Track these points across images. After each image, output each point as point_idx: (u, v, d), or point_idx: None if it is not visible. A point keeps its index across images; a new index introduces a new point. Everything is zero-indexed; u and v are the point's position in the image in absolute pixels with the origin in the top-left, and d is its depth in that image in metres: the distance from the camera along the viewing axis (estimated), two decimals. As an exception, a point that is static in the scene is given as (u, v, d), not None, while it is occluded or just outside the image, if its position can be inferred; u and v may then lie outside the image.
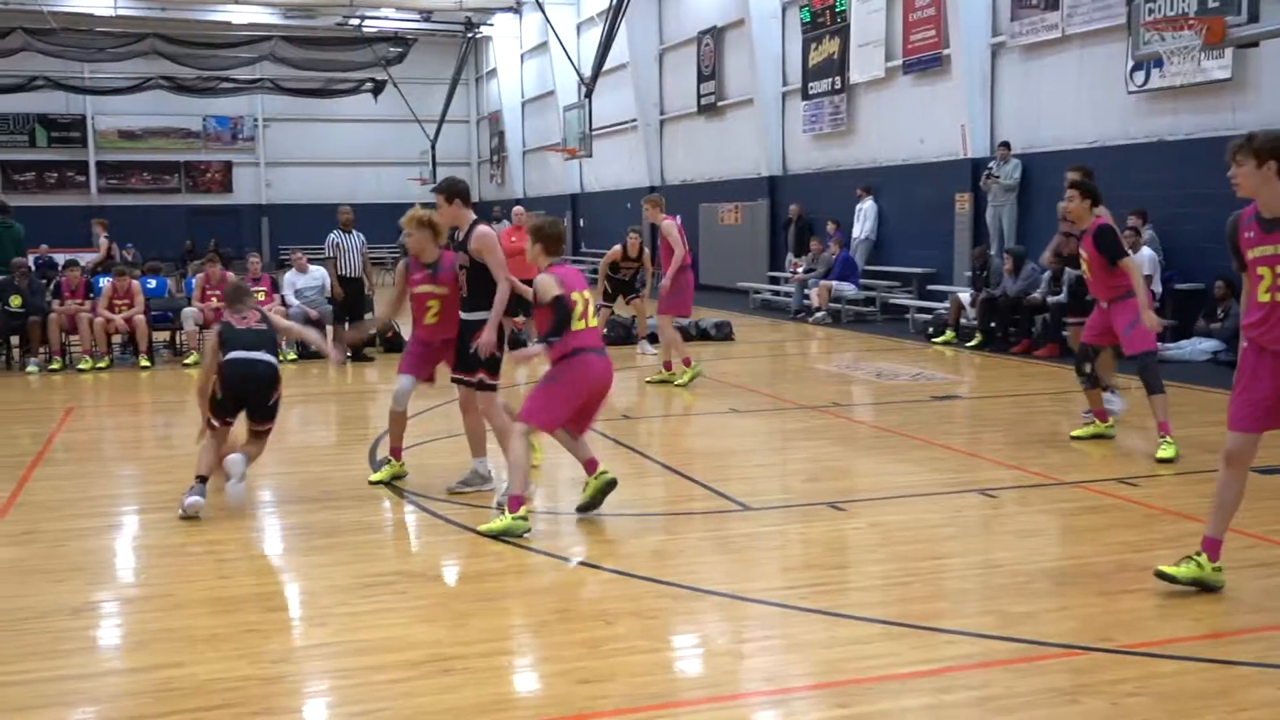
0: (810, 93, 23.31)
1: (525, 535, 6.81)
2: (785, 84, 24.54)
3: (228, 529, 7.18)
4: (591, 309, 7.18)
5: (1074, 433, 9.49)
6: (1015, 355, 15.09)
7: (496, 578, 6.20)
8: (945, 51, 19.12)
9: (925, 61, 19.80)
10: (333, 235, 15.98)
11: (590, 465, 7.35)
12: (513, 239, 16.57)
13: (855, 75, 21.82)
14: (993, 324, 15.93)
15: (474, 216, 7.70)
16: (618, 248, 15.97)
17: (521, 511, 6.89)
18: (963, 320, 16.59)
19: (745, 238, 25.60)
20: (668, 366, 13.23)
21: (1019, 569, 6.12)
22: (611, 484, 7.28)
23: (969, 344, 16.03)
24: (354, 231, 16.07)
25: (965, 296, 16.69)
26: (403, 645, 5.12)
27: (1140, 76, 15.41)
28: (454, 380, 7.91)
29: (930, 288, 19.51)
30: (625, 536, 7.07)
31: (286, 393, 8.22)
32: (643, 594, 5.84)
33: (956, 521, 7.06)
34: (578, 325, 7.00)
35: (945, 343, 16.49)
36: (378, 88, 38.10)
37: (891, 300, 20.09)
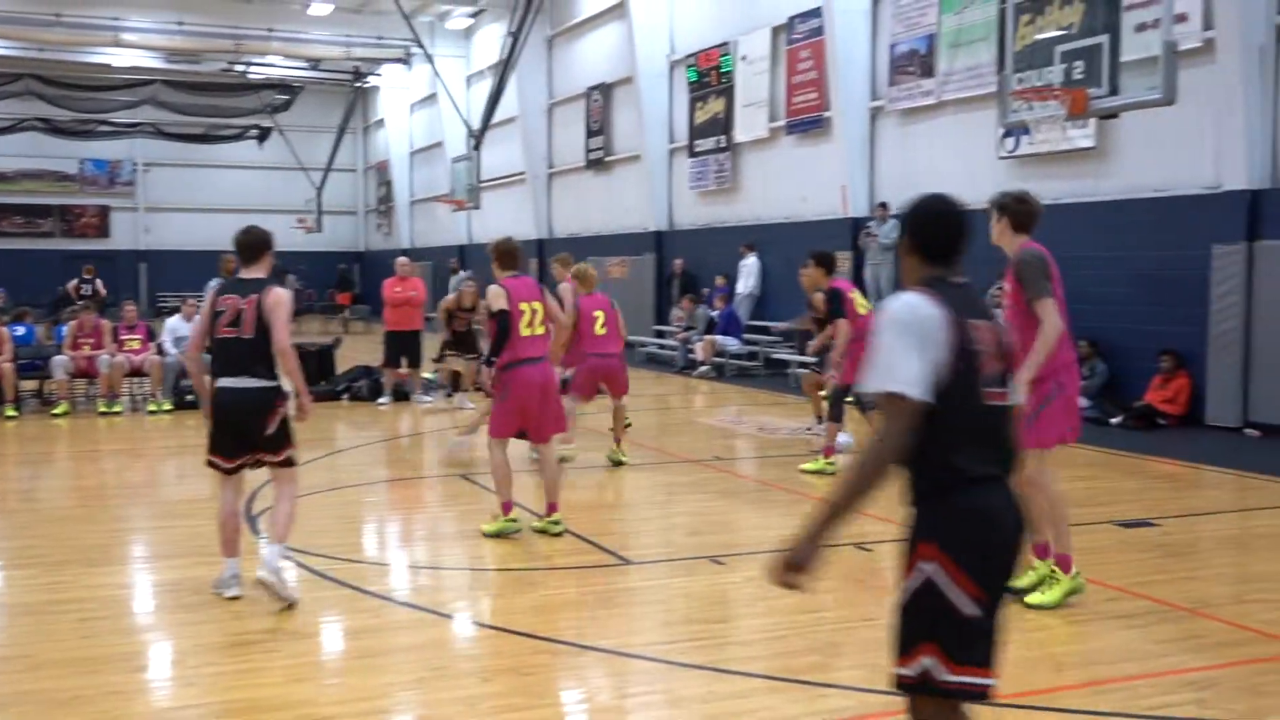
0: (696, 150, 23.70)
1: (515, 535, 7.97)
2: (672, 141, 24.92)
3: (92, 586, 6.96)
4: (538, 318, 7.96)
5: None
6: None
7: (372, 634, 6.11)
8: (827, 114, 19.61)
9: (807, 123, 20.28)
10: (213, 282, 15.66)
11: (551, 509, 8.15)
12: (396, 289, 16.46)
13: (740, 134, 22.26)
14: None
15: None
16: (451, 296, 15.44)
17: (513, 514, 8.00)
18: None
19: (632, 291, 25.77)
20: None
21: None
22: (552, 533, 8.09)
23: (849, 399, 16.28)
24: None
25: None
26: (273, 706, 5.01)
27: (1010, 143, 16.00)
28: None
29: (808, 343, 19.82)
30: (505, 591, 7.03)
31: (166, 444, 8.05)
32: (521, 650, 5.80)
33: (834, 575, 7.16)
34: (525, 332, 7.85)
35: (826, 397, 16.68)
36: (263, 134, 38.00)
37: (774, 355, 20.42)
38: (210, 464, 6.58)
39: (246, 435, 6.45)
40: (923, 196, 3.48)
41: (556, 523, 8.13)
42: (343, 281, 40.35)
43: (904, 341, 3.13)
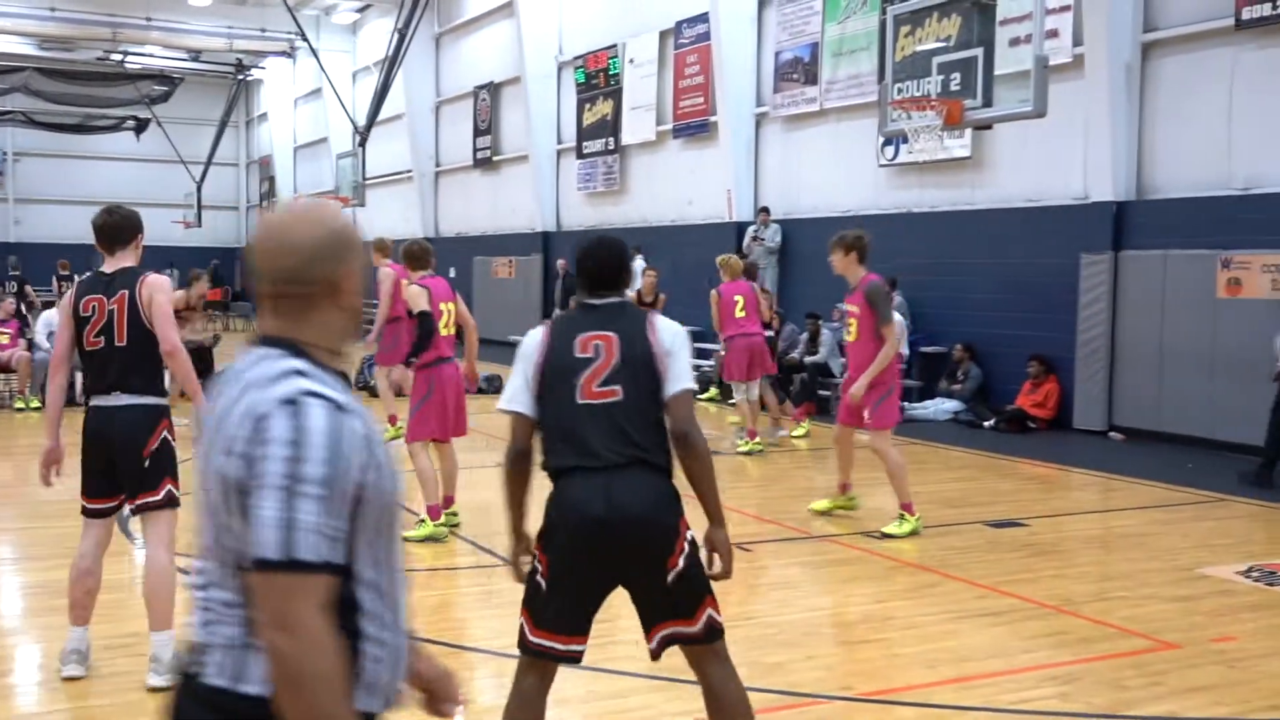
0: (584, 151, 23.75)
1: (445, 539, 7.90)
2: (560, 142, 24.94)
3: None
4: (451, 319, 8.11)
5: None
6: (775, 413, 15.64)
7: (250, 637, 5.99)
8: (713, 118, 19.83)
9: (694, 127, 20.48)
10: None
11: (448, 501, 8.24)
12: None
13: (627, 137, 22.37)
14: (755, 382, 16.45)
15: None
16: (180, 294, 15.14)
17: (442, 519, 7.99)
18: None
19: (519, 292, 25.75)
20: (392, 421, 12.53)
21: (771, 620, 6.35)
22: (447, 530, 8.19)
23: (731, 400, 16.50)
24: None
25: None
26: (141, 712, 4.91)
27: (890, 151, 16.37)
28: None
29: (697, 345, 20.02)
30: (386, 593, 6.96)
31: (35, 441, 7.76)
32: (402, 652, 5.76)
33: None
34: (444, 332, 8.03)
35: (709, 399, 16.87)
36: (140, 126, 36.79)
37: None
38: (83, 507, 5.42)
39: (118, 467, 5.25)
40: (585, 239, 4.10)
41: (454, 514, 8.26)
42: (213, 276, 39.42)
43: (516, 366, 3.93)
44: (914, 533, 8.25)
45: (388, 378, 12.61)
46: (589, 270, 3.98)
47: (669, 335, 3.89)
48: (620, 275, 4.01)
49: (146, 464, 5.20)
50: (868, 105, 16.20)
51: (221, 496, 1.99)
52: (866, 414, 8.31)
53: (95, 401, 5.28)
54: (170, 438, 5.31)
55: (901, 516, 8.33)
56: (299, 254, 2.09)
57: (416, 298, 7.92)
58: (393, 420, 12.71)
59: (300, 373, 2.03)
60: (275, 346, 2.09)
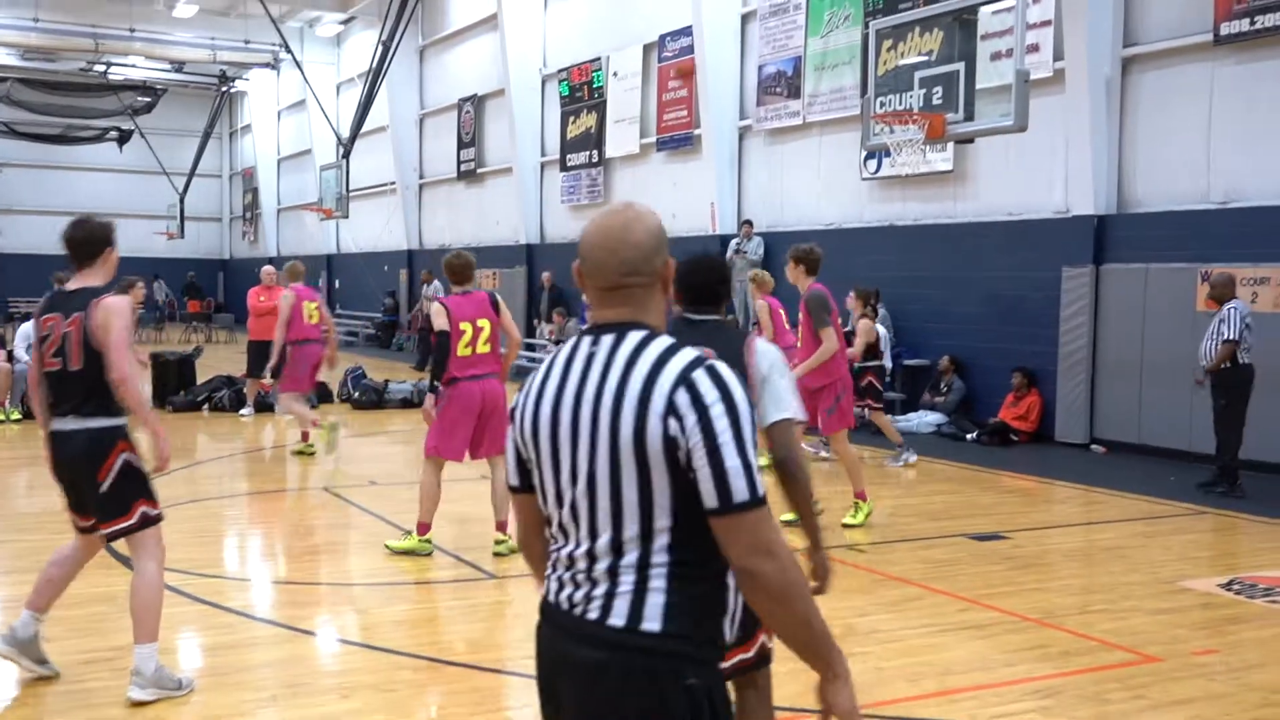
0: (568, 164, 23.75)
1: (428, 556, 7.76)
2: (544, 154, 24.94)
3: None
4: (483, 336, 7.81)
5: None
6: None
7: (228, 650, 5.98)
8: (696, 131, 19.85)
9: (677, 140, 20.50)
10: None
11: (500, 527, 8.02)
12: (261, 298, 16.19)
13: (611, 150, 22.38)
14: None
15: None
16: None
17: (428, 536, 7.83)
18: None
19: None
20: (304, 437, 12.77)
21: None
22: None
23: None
24: None
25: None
26: (124, 726, 4.87)
27: (873, 164, 16.42)
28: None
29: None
30: (368, 606, 6.95)
31: (14, 454, 7.70)
32: (383, 666, 5.75)
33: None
34: (463, 352, 7.67)
35: None
36: (123, 137, 36.63)
37: None
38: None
39: (80, 491, 5.17)
40: (689, 256, 4.06)
41: (502, 541, 7.99)
42: (191, 289, 39.36)
43: None
44: (869, 515, 9.09)
45: (293, 401, 12.60)
46: (692, 286, 4.06)
47: (766, 361, 3.96)
48: (720, 292, 4.11)
49: (104, 489, 5.07)
50: (851, 119, 16.25)
51: (635, 462, 2.28)
52: (820, 421, 8.95)
53: (54, 425, 5.15)
54: (133, 459, 5.14)
55: (856, 505, 9.10)
56: (640, 249, 2.42)
57: (436, 316, 7.69)
58: (305, 437, 12.81)
59: (677, 345, 2.37)
60: (631, 329, 2.40)
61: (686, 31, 19.77)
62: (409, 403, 17.02)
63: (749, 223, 18.48)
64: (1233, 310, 10.39)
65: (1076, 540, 9.28)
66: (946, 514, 9.73)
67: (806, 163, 17.96)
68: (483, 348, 7.80)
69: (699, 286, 4.06)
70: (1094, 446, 13.38)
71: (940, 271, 15.35)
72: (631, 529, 2.31)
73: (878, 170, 16.36)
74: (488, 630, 6.55)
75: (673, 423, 2.25)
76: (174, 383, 16.63)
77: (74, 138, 37.37)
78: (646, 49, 21.29)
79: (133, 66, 36.21)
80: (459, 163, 28.35)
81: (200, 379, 17.13)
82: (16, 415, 14.64)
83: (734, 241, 18.55)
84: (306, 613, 6.84)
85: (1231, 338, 10.32)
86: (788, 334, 11.69)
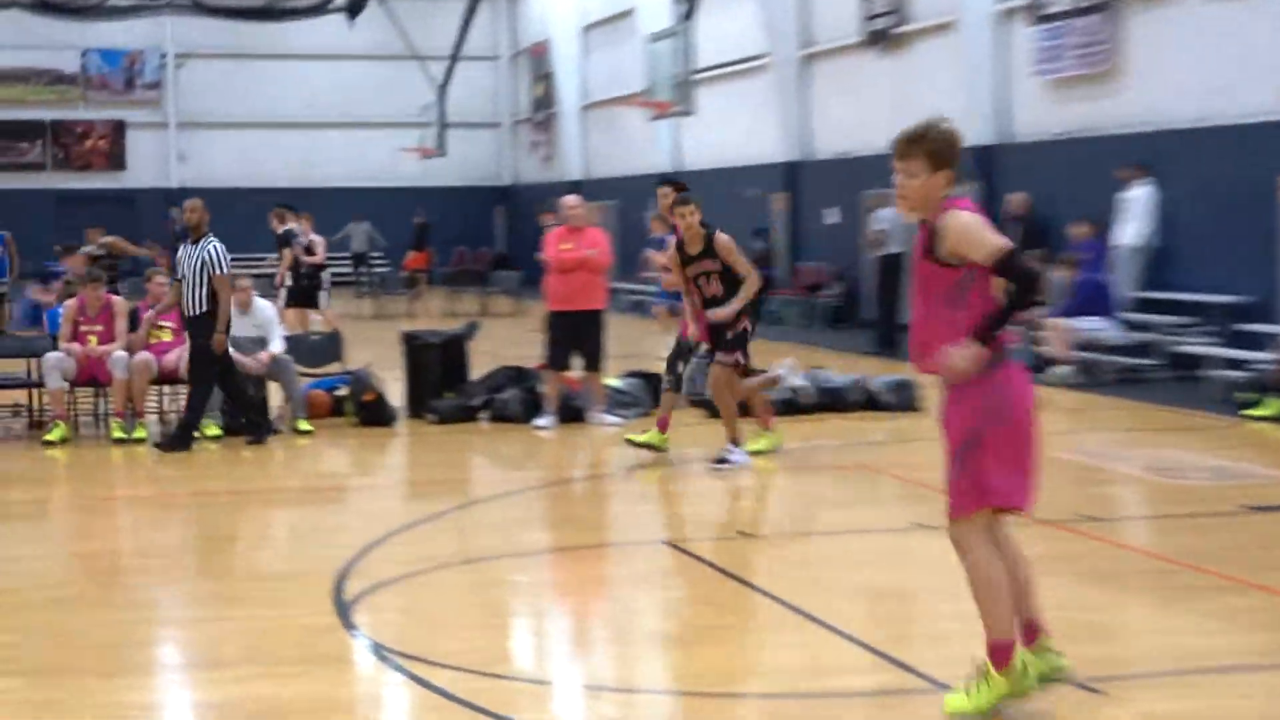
0: (1048, 11, 18.00)
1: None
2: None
3: (102, 705, 5.45)
4: None
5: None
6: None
7: None
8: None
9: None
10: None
11: (1031, 631, 5.12)
12: (565, 246, 11.99)
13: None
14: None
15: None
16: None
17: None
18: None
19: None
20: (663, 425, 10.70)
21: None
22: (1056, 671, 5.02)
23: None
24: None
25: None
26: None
27: None
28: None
29: (1240, 328, 14.23)
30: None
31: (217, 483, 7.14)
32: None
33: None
34: None
35: (1267, 418, 12.18)
36: (354, 7, 28.93)
37: (1179, 348, 14.77)
38: None
39: None
40: None
41: (1050, 649, 5.18)
42: (418, 237, 29.50)
43: None
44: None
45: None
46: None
47: None
48: None
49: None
50: None
51: None
52: None
53: None
54: None
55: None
56: None
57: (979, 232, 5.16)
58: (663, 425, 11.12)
59: None
60: None
61: None
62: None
63: None
64: None
65: None
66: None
67: None
68: None
69: None
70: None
71: None
72: None
73: None
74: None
75: None
76: (436, 379, 12.53)
77: (283, 10, 29.99)
78: None
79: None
80: (865, 20, 22.66)
81: (474, 372, 12.90)
82: (215, 430, 11.33)
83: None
84: None
85: None
86: None
